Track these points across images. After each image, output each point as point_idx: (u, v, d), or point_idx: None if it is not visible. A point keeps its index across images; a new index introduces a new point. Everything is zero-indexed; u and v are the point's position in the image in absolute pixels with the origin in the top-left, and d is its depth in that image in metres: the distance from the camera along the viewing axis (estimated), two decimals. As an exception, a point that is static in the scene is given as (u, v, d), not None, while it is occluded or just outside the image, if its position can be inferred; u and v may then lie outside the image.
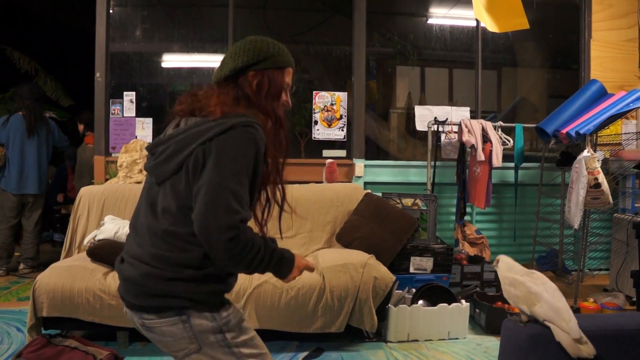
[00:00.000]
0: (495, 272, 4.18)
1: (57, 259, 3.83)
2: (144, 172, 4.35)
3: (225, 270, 1.59)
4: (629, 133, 5.03)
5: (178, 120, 1.68)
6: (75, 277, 3.23)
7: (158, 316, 1.56)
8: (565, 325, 1.63)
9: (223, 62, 1.71)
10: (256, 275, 3.29)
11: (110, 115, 4.94)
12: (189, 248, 1.54)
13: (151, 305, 1.56)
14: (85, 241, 3.72)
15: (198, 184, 1.50)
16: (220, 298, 1.65)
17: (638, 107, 4.39)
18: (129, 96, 4.97)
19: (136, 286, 1.57)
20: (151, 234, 1.58)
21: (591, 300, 4.18)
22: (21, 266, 5.32)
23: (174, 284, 1.54)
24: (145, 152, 4.43)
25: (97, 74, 4.89)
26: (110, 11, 4.98)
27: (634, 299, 4.03)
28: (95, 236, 3.62)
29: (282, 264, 1.67)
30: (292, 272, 1.74)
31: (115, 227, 3.61)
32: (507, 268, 1.85)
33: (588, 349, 1.62)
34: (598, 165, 4.00)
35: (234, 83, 1.67)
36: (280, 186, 1.76)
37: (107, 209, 3.99)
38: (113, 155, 4.88)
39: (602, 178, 3.98)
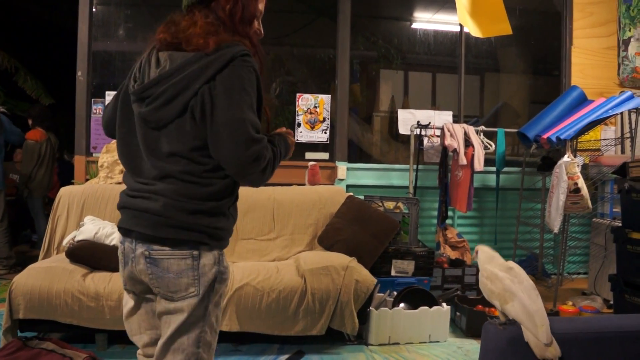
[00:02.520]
0: (477, 276, 4.23)
1: (35, 259, 3.78)
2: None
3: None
4: (608, 139, 5.11)
5: (155, 54, 1.63)
6: (53, 278, 3.18)
7: (172, 248, 1.56)
8: (534, 328, 1.65)
9: None
10: (237, 277, 3.30)
11: (92, 115, 4.89)
12: (210, 182, 1.57)
13: (168, 237, 1.56)
14: (65, 242, 3.67)
15: (215, 123, 1.51)
16: (229, 235, 1.68)
17: (617, 114, 4.46)
18: (111, 96, 4.90)
19: (156, 216, 1.55)
20: (164, 176, 1.58)
21: (570, 303, 4.23)
22: None
23: (195, 216, 1.56)
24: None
25: (79, 73, 4.83)
26: (93, 9, 4.93)
27: (612, 302, 4.08)
28: (75, 237, 3.57)
29: (286, 149, 1.78)
30: (291, 147, 1.84)
31: (95, 228, 3.57)
32: (487, 259, 1.84)
33: (554, 351, 1.63)
34: (578, 170, 4.06)
35: (207, 8, 1.65)
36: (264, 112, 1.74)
37: (87, 210, 3.95)
38: (94, 155, 4.83)
39: (581, 183, 4.04)
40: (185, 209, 1.54)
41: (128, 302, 1.77)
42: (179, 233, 1.55)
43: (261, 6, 1.74)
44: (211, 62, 1.52)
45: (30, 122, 5.89)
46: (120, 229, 1.67)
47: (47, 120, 5.95)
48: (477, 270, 4.20)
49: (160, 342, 1.62)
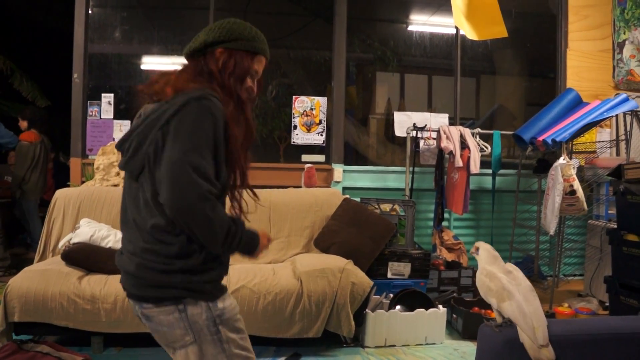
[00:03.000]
0: (473, 278, 4.23)
1: (31, 262, 3.77)
2: (121, 175, 4.30)
3: (212, 250, 1.58)
4: (603, 141, 5.13)
5: (143, 108, 1.69)
6: (49, 281, 3.17)
7: (156, 305, 1.57)
8: (529, 329, 1.65)
9: (197, 35, 1.72)
10: (233, 279, 3.30)
11: (88, 117, 4.88)
12: (173, 241, 1.54)
13: (150, 296, 1.57)
14: (60, 244, 3.66)
15: (160, 165, 1.50)
16: (216, 286, 1.65)
17: (612, 116, 4.48)
18: (107, 98, 4.91)
19: (134, 278, 1.59)
20: (139, 229, 1.59)
21: (566, 305, 4.24)
22: None
23: (168, 275, 1.55)
24: (122, 155, 4.38)
25: (75, 75, 4.82)
26: (90, 12, 4.92)
27: (607, 304, 4.09)
28: (71, 239, 3.56)
29: (250, 240, 1.66)
30: (259, 247, 1.70)
31: (91, 231, 3.57)
32: (489, 260, 1.85)
33: (548, 353, 1.64)
34: (573, 172, 4.07)
35: (203, 57, 1.68)
36: (240, 172, 1.69)
37: (83, 212, 3.94)
38: (90, 157, 4.82)
39: (577, 185, 4.05)
40: (155, 269, 1.55)
41: None
42: (158, 292, 1.56)
43: (257, 67, 1.74)
44: (167, 109, 1.53)
45: (25, 123, 5.87)
46: (121, 284, 1.71)
47: (41, 122, 5.93)
48: (474, 273, 4.22)
49: None
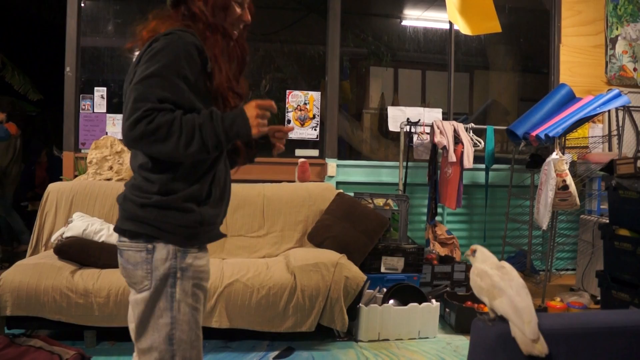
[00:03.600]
0: (466, 272, 4.25)
1: (23, 256, 3.75)
2: (114, 169, 4.29)
3: (200, 156, 1.54)
4: (595, 136, 5.15)
5: None
6: (41, 274, 3.16)
7: (130, 240, 1.62)
8: (521, 324, 1.66)
9: None
10: (227, 273, 3.29)
11: (80, 111, 4.85)
12: (154, 179, 1.60)
13: (126, 229, 1.62)
14: (53, 238, 3.65)
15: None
16: (191, 234, 1.63)
17: (604, 112, 4.50)
18: (100, 92, 4.88)
19: (120, 210, 1.66)
20: (133, 170, 1.68)
21: (558, 299, 4.26)
22: None
23: (144, 209, 1.59)
24: (115, 149, 4.37)
25: (67, 69, 4.79)
26: (82, 4, 4.88)
27: (599, 298, 4.13)
28: (63, 233, 3.55)
29: (235, 119, 1.53)
30: (251, 122, 1.54)
31: (84, 225, 3.55)
32: (482, 259, 1.86)
33: (541, 348, 1.65)
34: (566, 167, 4.09)
35: (184, 4, 1.72)
36: (236, 90, 1.70)
37: (76, 206, 3.92)
38: (82, 151, 4.80)
39: (569, 180, 4.07)
40: (135, 202, 1.60)
41: None
42: (133, 225, 1.61)
43: None
44: (140, 54, 1.60)
45: (3, 116, 5.74)
46: None
47: (20, 114, 5.81)
48: (467, 267, 4.24)
49: (131, 335, 1.69)
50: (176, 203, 1.59)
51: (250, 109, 1.55)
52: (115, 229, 1.67)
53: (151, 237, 1.59)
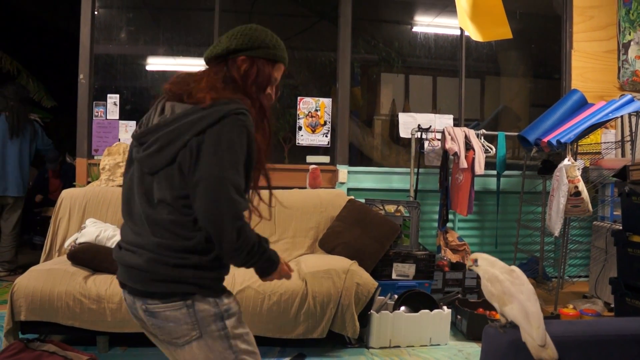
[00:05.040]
0: (477, 279, 4.23)
1: (37, 262, 3.79)
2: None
3: (229, 263, 1.65)
4: (608, 142, 5.12)
5: (162, 103, 1.67)
6: (55, 280, 3.19)
7: (163, 301, 1.58)
8: (531, 329, 1.66)
9: (219, 40, 1.73)
10: (238, 280, 3.31)
11: (94, 118, 4.90)
12: (192, 235, 1.56)
13: (157, 291, 1.58)
14: (66, 244, 3.68)
15: (196, 176, 1.51)
16: (222, 284, 1.68)
17: (617, 117, 4.47)
18: (113, 99, 4.93)
19: (142, 272, 1.58)
20: (151, 223, 1.59)
21: (571, 306, 4.23)
22: None
23: (180, 270, 1.56)
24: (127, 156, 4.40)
25: (81, 76, 4.85)
26: (95, 12, 4.95)
27: (612, 306, 4.09)
28: (76, 239, 3.58)
29: (269, 264, 1.70)
30: (273, 275, 1.73)
31: (97, 231, 3.59)
32: (490, 264, 1.87)
33: (551, 353, 1.64)
34: (578, 173, 4.06)
35: (224, 64, 1.68)
36: (264, 172, 1.75)
37: (89, 212, 3.96)
38: (95, 157, 4.84)
39: (582, 186, 4.04)
40: (168, 263, 1.56)
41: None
42: (167, 287, 1.58)
43: (277, 74, 1.77)
44: (204, 116, 1.54)
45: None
46: (118, 280, 1.72)
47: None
48: (478, 274, 4.21)
49: None
50: (212, 263, 1.60)
51: (283, 266, 1.76)
52: (136, 293, 1.62)
53: (187, 294, 1.58)
